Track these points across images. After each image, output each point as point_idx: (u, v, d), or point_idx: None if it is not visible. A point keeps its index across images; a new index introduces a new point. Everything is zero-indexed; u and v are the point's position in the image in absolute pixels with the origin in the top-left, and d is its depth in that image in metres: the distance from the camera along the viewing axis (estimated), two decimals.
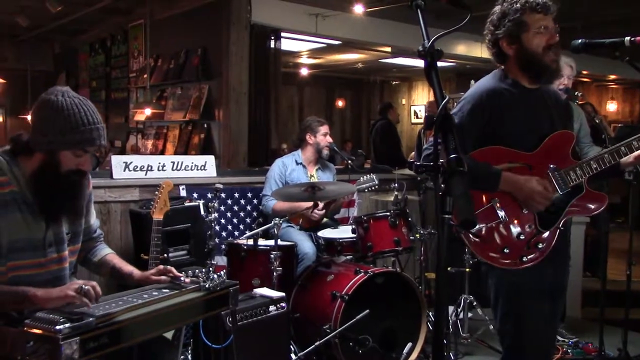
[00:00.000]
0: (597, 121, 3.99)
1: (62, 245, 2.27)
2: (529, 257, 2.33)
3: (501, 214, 2.32)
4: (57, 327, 1.76)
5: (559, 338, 4.32)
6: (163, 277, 2.32)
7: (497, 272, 2.41)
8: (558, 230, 2.39)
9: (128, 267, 2.45)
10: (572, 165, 2.40)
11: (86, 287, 1.95)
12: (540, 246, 2.35)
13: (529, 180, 2.33)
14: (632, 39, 2.48)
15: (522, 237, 2.34)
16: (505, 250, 2.32)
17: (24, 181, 2.15)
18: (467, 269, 4.30)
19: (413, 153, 8.00)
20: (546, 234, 2.37)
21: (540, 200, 2.32)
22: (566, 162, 2.41)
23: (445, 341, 3.82)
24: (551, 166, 2.39)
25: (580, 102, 4.12)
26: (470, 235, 2.31)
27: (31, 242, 2.16)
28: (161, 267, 2.36)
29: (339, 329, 3.46)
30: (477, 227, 2.32)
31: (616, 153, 2.40)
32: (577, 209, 2.42)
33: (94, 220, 2.54)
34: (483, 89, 2.41)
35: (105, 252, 2.55)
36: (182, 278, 2.30)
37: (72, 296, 1.95)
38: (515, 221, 2.34)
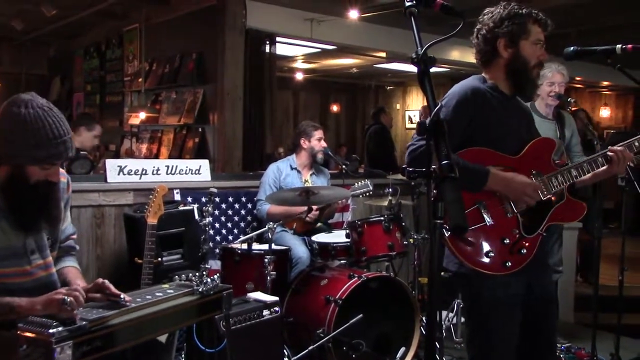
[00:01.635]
0: (590, 129, 4.02)
1: (45, 251, 2.22)
2: (512, 262, 2.32)
3: (487, 217, 2.32)
4: (50, 331, 1.75)
5: None
6: (98, 295, 2.08)
7: (469, 283, 2.40)
8: (540, 237, 2.40)
9: (76, 281, 2.29)
10: (554, 172, 2.42)
11: (69, 299, 1.87)
12: (523, 252, 2.34)
13: (518, 175, 2.34)
14: (624, 46, 2.51)
15: (506, 241, 2.33)
16: (490, 254, 2.30)
17: None
18: None
19: None
20: (529, 240, 2.37)
21: (531, 194, 2.32)
22: (548, 169, 2.43)
23: (438, 345, 3.83)
24: (534, 171, 2.40)
25: (574, 109, 4.14)
26: (454, 239, 2.29)
27: (12, 250, 2.11)
28: (99, 281, 2.11)
29: (333, 334, 3.47)
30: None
31: (594, 162, 2.44)
32: (558, 216, 2.44)
33: (67, 226, 2.41)
34: (467, 86, 2.41)
35: (66, 264, 2.40)
36: (122, 296, 2.06)
37: (56, 308, 1.89)
38: (500, 225, 2.34)
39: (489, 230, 2.32)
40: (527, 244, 2.36)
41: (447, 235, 2.23)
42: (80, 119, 5.57)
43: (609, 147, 2.46)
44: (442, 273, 2.28)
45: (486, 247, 2.31)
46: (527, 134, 2.47)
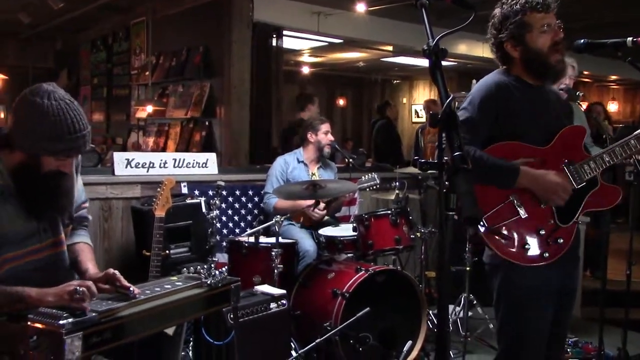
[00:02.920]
0: (604, 124, 4.00)
1: (58, 228, 2.23)
2: (549, 252, 2.33)
3: (521, 210, 2.33)
4: (61, 322, 1.76)
5: None
6: (107, 287, 2.09)
7: (501, 273, 2.40)
8: (576, 225, 2.40)
9: (87, 265, 2.30)
10: (586, 159, 2.41)
11: (81, 289, 1.89)
12: (560, 241, 2.35)
13: (547, 173, 2.33)
14: (634, 39, 2.49)
15: (542, 232, 2.34)
16: (526, 247, 2.32)
17: (7, 174, 2.10)
18: (468, 268, 4.31)
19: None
20: (565, 229, 2.37)
21: (561, 194, 2.32)
22: (579, 156, 2.42)
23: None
24: (565, 160, 2.40)
25: (584, 103, 4.12)
26: (489, 234, 2.29)
27: (26, 231, 2.13)
28: (110, 271, 2.13)
29: (340, 327, 3.47)
30: (498, 224, 2.31)
31: (626, 146, 2.41)
32: (592, 203, 2.43)
33: (79, 194, 2.41)
34: (491, 82, 2.42)
35: (79, 239, 2.41)
36: (131, 289, 2.07)
37: (67, 300, 1.90)
38: (535, 216, 2.34)
39: (524, 223, 2.33)
40: (563, 233, 2.36)
41: (482, 231, 2.25)
42: (303, 100, 6.45)
43: None
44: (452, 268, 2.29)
45: (523, 239, 2.33)
46: (556, 123, 2.44)
